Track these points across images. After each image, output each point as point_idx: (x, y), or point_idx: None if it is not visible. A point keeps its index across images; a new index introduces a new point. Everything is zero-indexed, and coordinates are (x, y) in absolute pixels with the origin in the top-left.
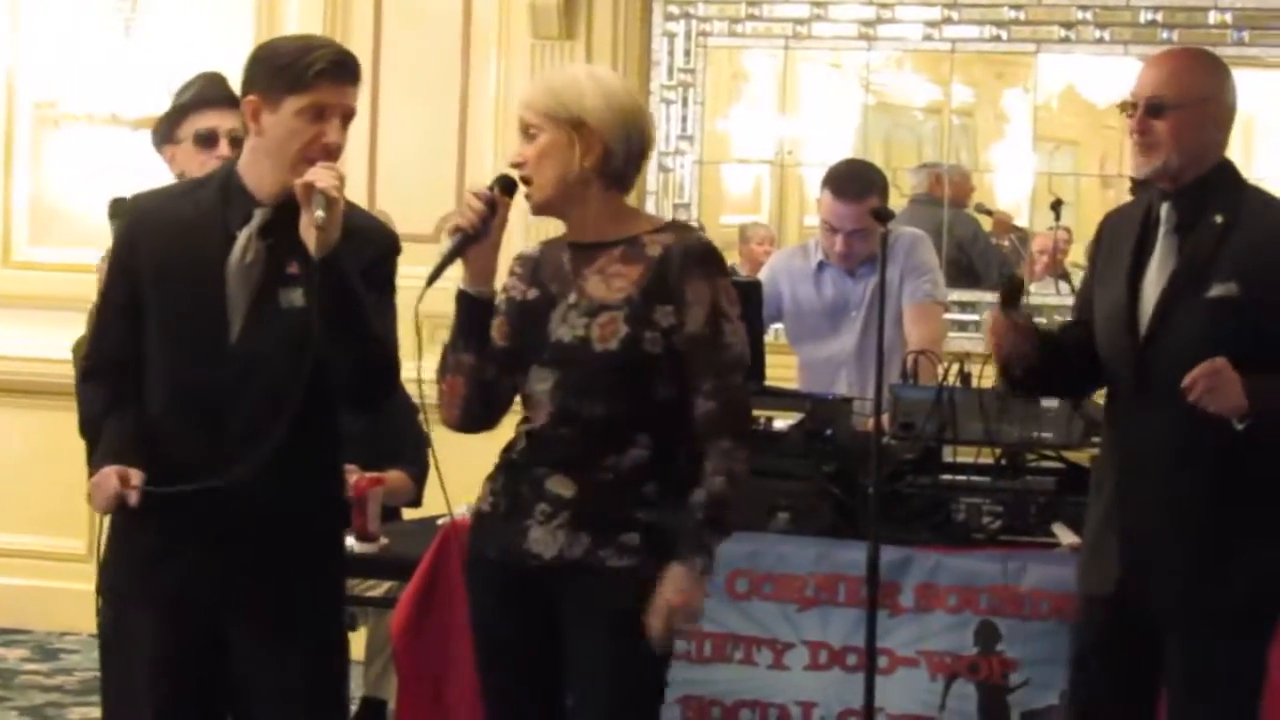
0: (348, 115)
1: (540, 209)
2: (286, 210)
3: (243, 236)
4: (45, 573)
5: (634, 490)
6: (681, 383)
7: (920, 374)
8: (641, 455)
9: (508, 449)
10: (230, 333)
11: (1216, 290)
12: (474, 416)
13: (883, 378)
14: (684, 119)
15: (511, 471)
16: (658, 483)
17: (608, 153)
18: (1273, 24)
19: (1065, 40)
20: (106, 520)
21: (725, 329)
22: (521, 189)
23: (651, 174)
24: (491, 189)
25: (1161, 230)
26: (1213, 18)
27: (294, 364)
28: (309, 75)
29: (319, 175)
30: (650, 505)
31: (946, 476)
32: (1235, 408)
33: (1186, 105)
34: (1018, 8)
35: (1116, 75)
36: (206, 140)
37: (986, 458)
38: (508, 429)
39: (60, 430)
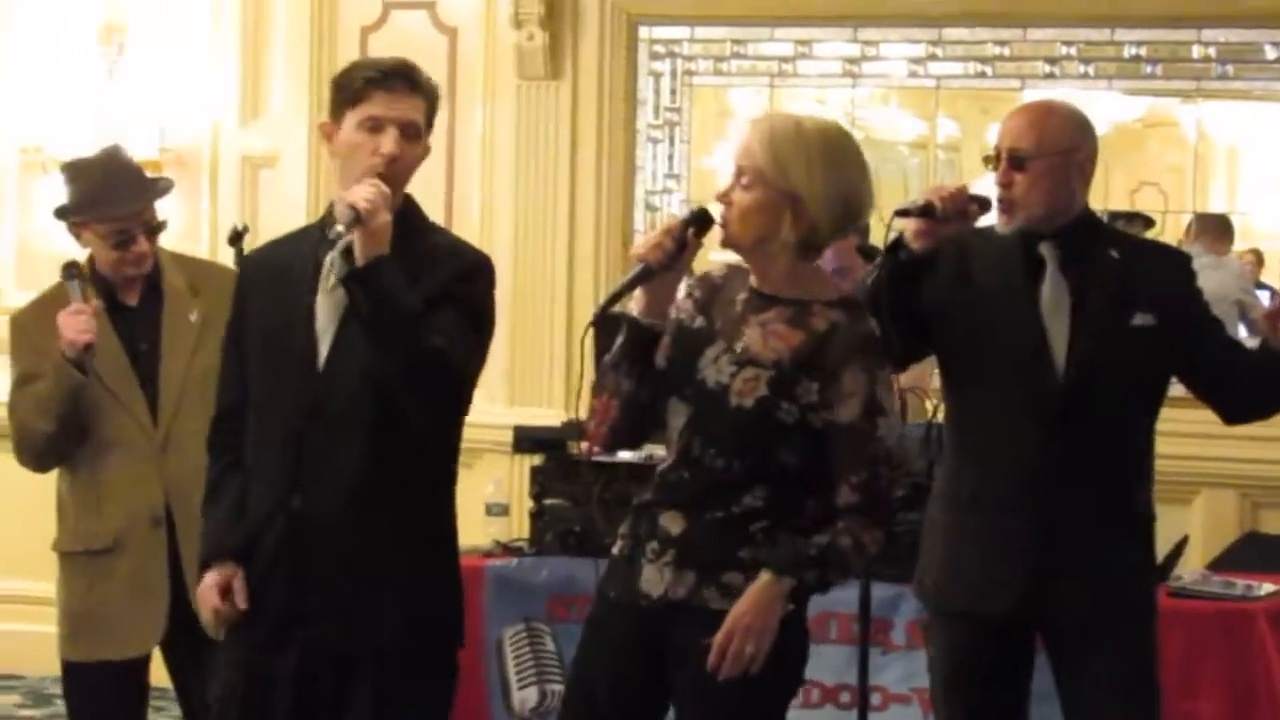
0: (406, 126)
1: (731, 248)
2: None
3: (328, 260)
4: (37, 617)
5: (743, 529)
6: (806, 453)
7: (909, 411)
8: (756, 503)
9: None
10: (319, 360)
11: (1138, 320)
12: (619, 439)
13: None
14: (670, 158)
15: (637, 514)
16: (769, 520)
17: (814, 230)
18: (1256, 57)
19: (1050, 76)
20: None
21: (880, 424)
22: (718, 221)
23: (639, 213)
24: (688, 226)
25: (1049, 268)
26: (1196, 51)
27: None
28: (358, 86)
29: (353, 190)
30: (757, 544)
31: None
32: None
33: (1047, 156)
34: (1002, 44)
35: (1101, 110)
36: (122, 243)
37: None
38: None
39: (51, 474)
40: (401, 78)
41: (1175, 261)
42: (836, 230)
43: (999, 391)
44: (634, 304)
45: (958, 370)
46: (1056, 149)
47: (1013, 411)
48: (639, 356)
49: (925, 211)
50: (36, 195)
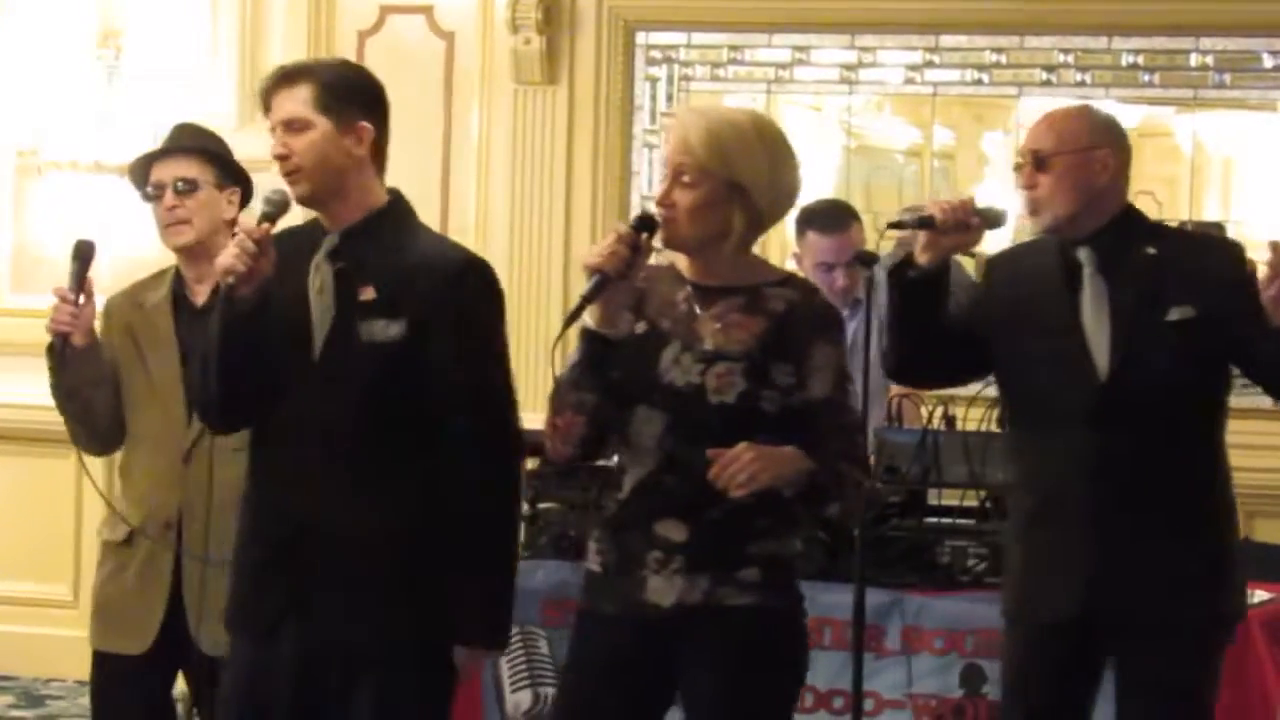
0: (288, 123)
1: (676, 249)
2: (353, 234)
3: (313, 265)
4: (30, 619)
5: (746, 526)
6: (788, 438)
7: (904, 417)
8: (748, 499)
9: (601, 503)
10: (313, 361)
11: (1175, 314)
12: (588, 453)
13: (868, 421)
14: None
15: (616, 526)
16: (769, 516)
17: (760, 218)
18: (1254, 66)
19: (1047, 83)
20: (92, 567)
21: (850, 392)
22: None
23: None
24: (639, 230)
25: (1086, 272)
26: (1194, 60)
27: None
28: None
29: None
30: (764, 538)
31: (931, 519)
32: None
33: (1068, 153)
34: (999, 51)
35: None
36: (153, 196)
37: (971, 500)
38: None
39: (45, 477)
40: (275, 80)
41: (1219, 251)
42: (776, 218)
43: (1049, 402)
44: (588, 315)
45: (1011, 385)
46: (1074, 147)
47: (1064, 420)
48: (600, 368)
49: (925, 223)
50: (33, 198)
